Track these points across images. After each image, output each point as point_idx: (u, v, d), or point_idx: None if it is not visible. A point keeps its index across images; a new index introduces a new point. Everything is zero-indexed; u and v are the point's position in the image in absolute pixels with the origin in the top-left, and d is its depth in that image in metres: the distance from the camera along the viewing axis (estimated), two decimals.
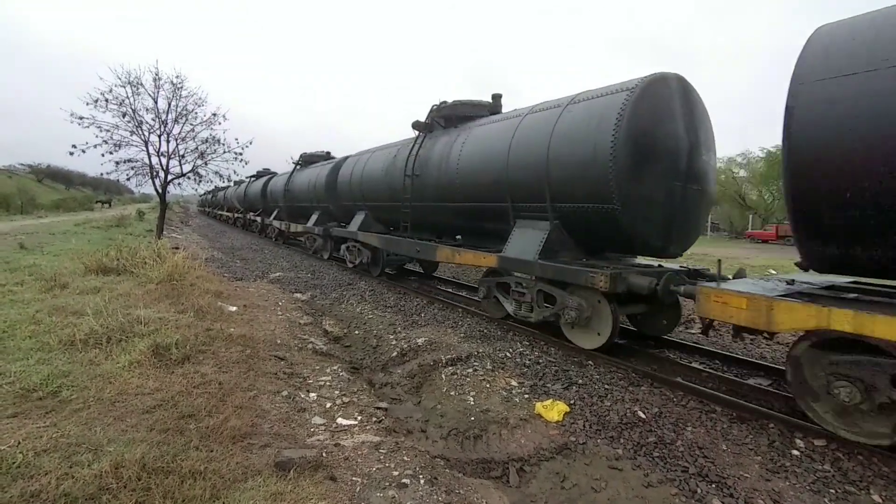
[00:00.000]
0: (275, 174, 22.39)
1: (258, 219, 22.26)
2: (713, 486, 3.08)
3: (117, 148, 12.39)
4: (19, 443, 2.52)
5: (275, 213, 19.45)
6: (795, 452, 3.43)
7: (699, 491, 3.02)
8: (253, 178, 25.79)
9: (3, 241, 11.73)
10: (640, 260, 6.41)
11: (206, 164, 13.75)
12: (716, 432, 3.71)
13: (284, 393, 3.94)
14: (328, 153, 16.57)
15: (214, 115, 13.49)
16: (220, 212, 34.96)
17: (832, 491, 3.02)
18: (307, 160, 16.82)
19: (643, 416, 3.95)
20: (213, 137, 13.63)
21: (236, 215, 29.61)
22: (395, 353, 5.69)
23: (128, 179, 13.36)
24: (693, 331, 6.82)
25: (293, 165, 17.33)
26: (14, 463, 2.33)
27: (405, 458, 3.12)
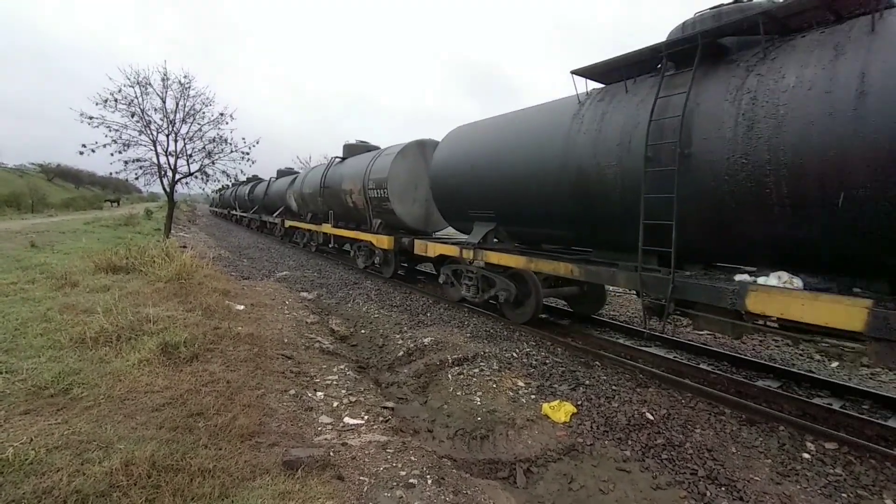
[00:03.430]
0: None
1: None
2: (723, 489, 3.05)
3: (126, 147, 12.49)
4: (31, 440, 2.55)
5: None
6: (806, 456, 3.40)
7: (709, 494, 2.99)
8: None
9: (14, 240, 11.86)
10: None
11: (213, 163, 13.84)
12: (725, 435, 3.68)
13: (292, 392, 3.96)
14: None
15: (222, 114, 13.56)
16: (267, 219, 21.52)
17: (844, 495, 2.98)
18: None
19: (651, 417, 3.92)
20: (221, 137, 13.71)
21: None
22: (401, 353, 5.69)
23: (136, 179, 13.47)
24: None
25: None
26: (26, 460, 2.35)
27: (412, 457, 3.12)
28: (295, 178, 17.87)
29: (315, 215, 15.09)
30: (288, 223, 18.06)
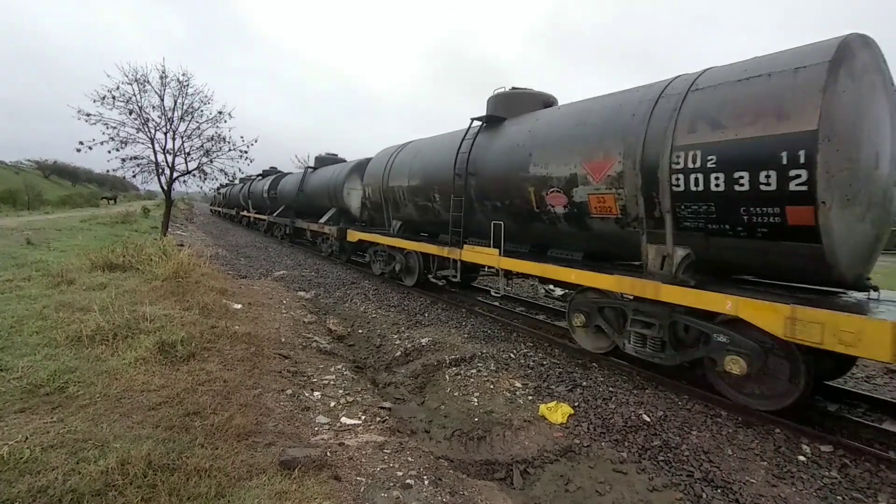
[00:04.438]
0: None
1: None
2: (718, 490, 3.06)
3: (123, 145, 12.41)
4: (27, 438, 2.53)
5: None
6: (802, 458, 3.41)
7: (705, 496, 3.00)
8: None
9: (10, 237, 11.80)
10: None
11: (211, 161, 13.78)
12: (721, 437, 3.69)
13: (289, 391, 3.95)
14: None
15: (220, 112, 13.50)
16: (307, 226, 15.38)
17: (839, 497, 3.00)
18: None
19: (648, 419, 3.93)
20: (219, 135, 13.64)
21: None
22: (398, 353, 5.68)
23: (133, 176, 13.36)
24: None
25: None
26: (21, 458, 2.34)
27: (409, 458, 3.12)
28: (362, 166, 11.95)
29: (410, 224, 9.58)
30: (357, 236, 11.22)
